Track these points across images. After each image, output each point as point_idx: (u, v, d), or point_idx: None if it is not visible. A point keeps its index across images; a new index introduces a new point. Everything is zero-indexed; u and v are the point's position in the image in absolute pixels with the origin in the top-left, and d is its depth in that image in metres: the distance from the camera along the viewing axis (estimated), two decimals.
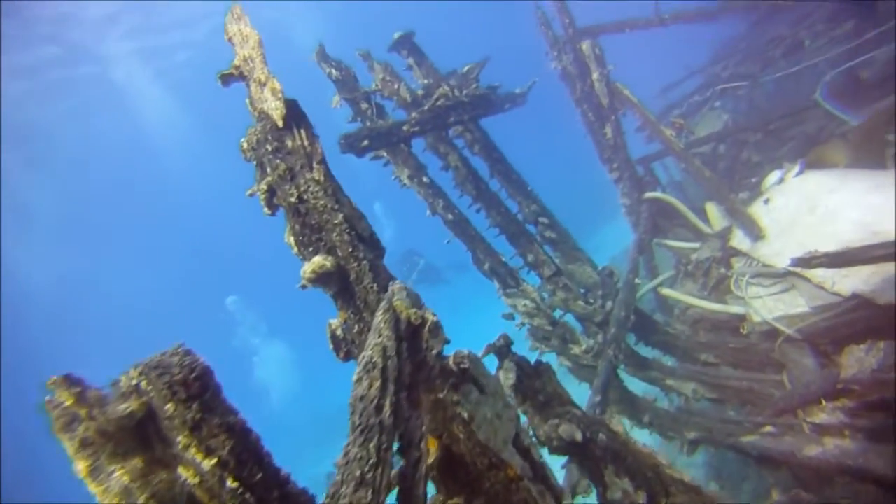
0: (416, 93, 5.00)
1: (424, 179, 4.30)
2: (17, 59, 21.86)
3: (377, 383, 1.24)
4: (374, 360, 1.29)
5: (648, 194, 7.21)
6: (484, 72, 5.51)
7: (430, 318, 1.52)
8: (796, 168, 5.54)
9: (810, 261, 4.43)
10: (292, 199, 1.82)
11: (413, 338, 1.46)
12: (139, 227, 43.95)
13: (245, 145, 1.95)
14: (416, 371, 1.42)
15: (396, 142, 4.07)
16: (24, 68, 22.64)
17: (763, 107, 8.98)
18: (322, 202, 1.77)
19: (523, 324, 4.36)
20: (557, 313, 4.92)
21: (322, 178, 1.79)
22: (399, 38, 5.32)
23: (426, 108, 4.55)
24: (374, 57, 5.03)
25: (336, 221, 1.75)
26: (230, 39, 2.00)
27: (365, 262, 1.73)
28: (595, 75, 6.85)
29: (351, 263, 1.73)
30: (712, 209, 6.44)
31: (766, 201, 5.59)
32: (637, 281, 5.27)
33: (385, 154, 4.39)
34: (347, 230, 1.74)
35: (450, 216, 4.29)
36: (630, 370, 5.09)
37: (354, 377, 1.29)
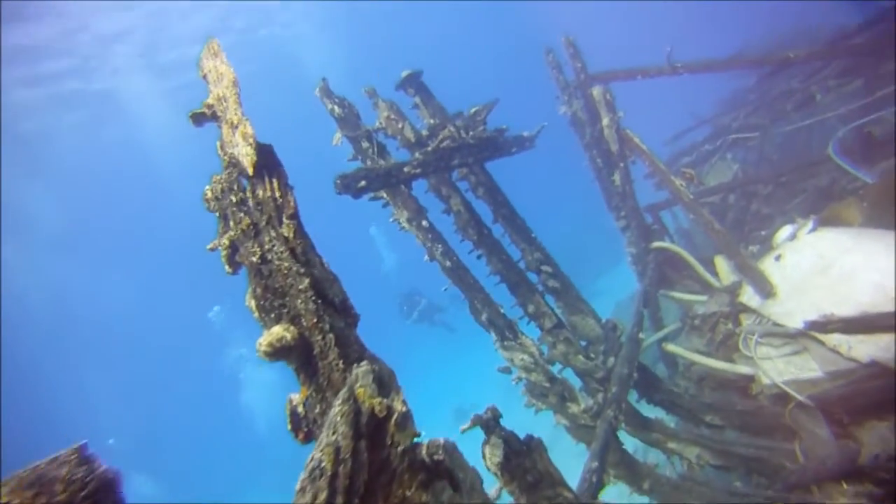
0: (421, 133, 4.84)
1: (424, 223, 4.11)
2: (25, 68, 22.09)
3: (322, 496, 1.01)
4: (322, 464, 1.06)
5: (656, 244, 6.99)
6: (493, 114, 5.37)
7: (399, 408, 1.28)
8: (809, 225, 5.32)
9: (826, 325, 4.18)
10: (254, 259, 1.61)
11: (376, 432, 1.23)
12: (137, 240, 43.76)
13: (209, 194, 1.74)
14: (377, 473, 1.19)
15: (396, 183, 3.89)
16: (31, 77, 22.84)
17: (774, 159, 8.82)
18: (286, 264, 1.56)
19: (520, 378, 4.11)
20: (557, 367, 4.66)
21: (291, 236, 1.58)
22: (406, 76, 5.19)
23: (430, 149, 4.39)
24: (381, 95, 4.90)
25: (301, 287, 1.53)
26: (204, 76, 1.82)
27: (331, 334, 1.51)
28: (605, 121, 6.71)
29: (315, 336, 1.51)
30: (721, 263, 6.21)
31: (778, 258, 5.36)
32: (641, 336, 5.01)
33: (384, 195, 4.21)
34: (313, 297, 1.52)
35: (448, 263, 4.09)
36: (630, 430, 4.80)
37: (297, 485, 1.07)
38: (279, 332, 1.51)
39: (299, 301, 1.53)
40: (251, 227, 1.62)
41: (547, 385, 4.04)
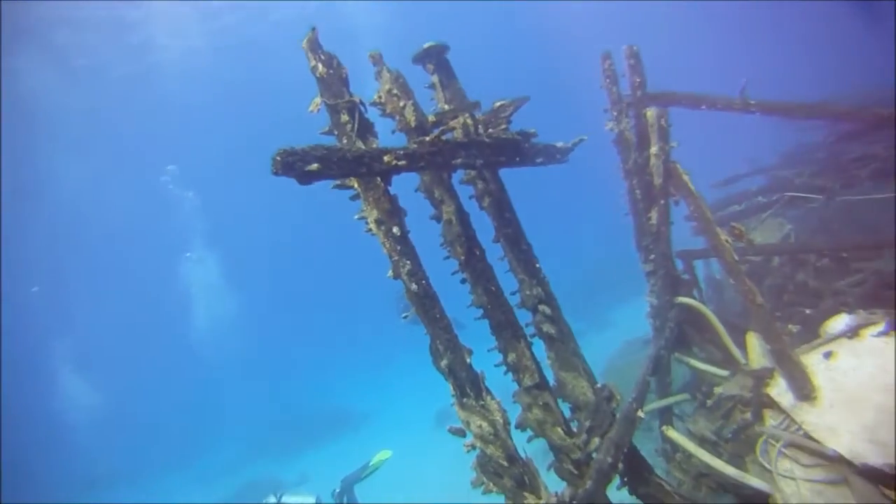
0: (427, 118, 3.83)
1: (395, 230, 3.11)
2: None
3: None
4: None
5: (681, 299, 5.87)
6: (523, 115, 4.34)
7: None
8: (880, 325, 4.16)
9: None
10: None
11: None
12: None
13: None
14: None
15: (366, 174, 2.90)
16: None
17: (834, 228, 7.56)
18: None
19: (473, 447, 3.11)
20: (524, 434, 3.64)
21: None
22: (428, 48, 4.17)
23: (427, 139, 3.38)
24: (387, 63, 3.89)
25: None
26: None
27: None
28: (654, 149, 5.59)
29: None
30: (754, 340, 5.07)
31: (828, 355, 4.22)
32: (640, 415, 3.95)
33: (355, 185, 3.22)
34: None
35: (414, 286, 3.09)
36: None
37: None
38: None
39: None
40: None
41: (504, 464, 3.03)
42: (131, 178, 35.50)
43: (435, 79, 4.35)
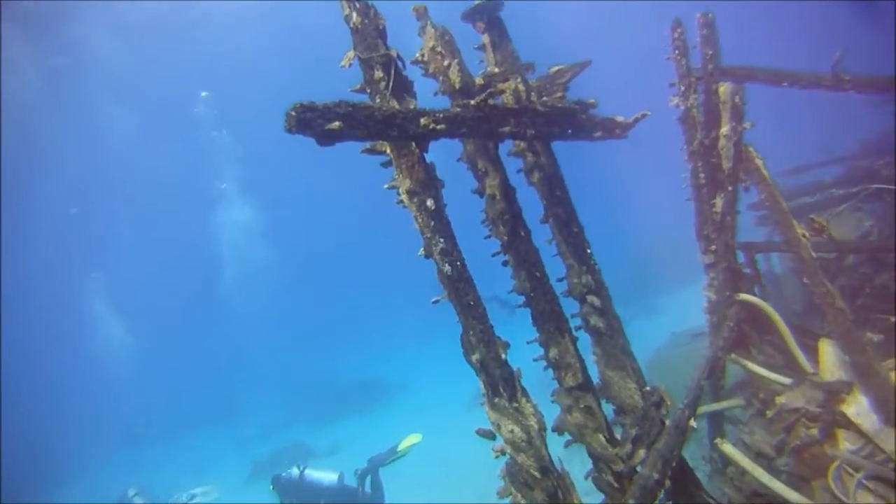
0: (473, 80, 3.38)
1: (429, 203, 2.71)
2: None
3: None
4: None
5: (743, 296, 5.28)
6: (582, 84, 3.84)
7: None
8: None
9: None
10: None
11: None
12: None
13: None
14: None
15: (397, 137, 2.50)
16: None
17: None
18: None
19: (503, 453, 2.72)
20: (562, 439, 3.23)
21: None
22: (479, 4, 3.70)
23: (472, 102, 2.94)
24: (433, 18, 3.44)
25: None
26: None
27: None
28: (725, 129, 4.96)
29: None
30: (827, 349, 4.47)
31: None
32: (693, 424, 3.48)
33: (388, 150, 2.82)
34: None
35: (447, 267, 2.69)
36: None
37: None
38: None
39: None
40: None
41: (537, 475, 2.64)
42: (171, 121, 34.04)
43: (486, 39, 3.88)
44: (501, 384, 2.68)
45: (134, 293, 36.20)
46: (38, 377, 29.67)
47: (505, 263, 3.36)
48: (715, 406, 5.13)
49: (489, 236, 3.40)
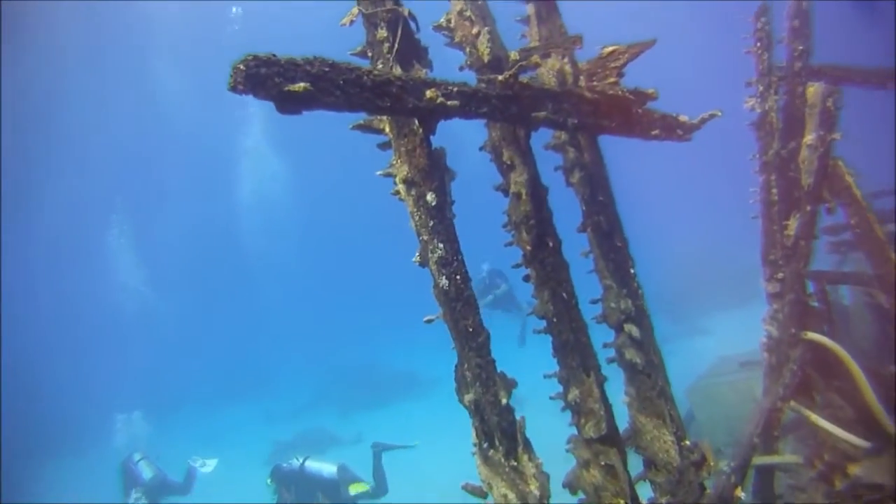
0: (507, 53, 2.76)
1: (429, 198, 2.13)
2: None
3: None
4: None
5: (810, 335, 4.48)
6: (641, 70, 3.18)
7: None
8: None
9: None
10: None
11: None
12: None
13: None
14: None
15: (394, 111, 1.93)
16: None
17: None
18: None
19: None
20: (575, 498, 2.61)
21: None
22: None
23: (501, 78, 2.35)
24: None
25: None
26: None
27: None
28: (810, 138, 4.16)
29: None
30: None
31: None
32: (741, 495, 2.80)
33: (386, 129, 2.26)
34: None
35: (444, 281, 2.12)
36: None
37: None
38: None
39: None
40: None
41: None
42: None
43: (531, 9, 3.26)
44: (498, 434, 2.08)
45: (159, 248, 35.01)
46: (60, 326, 29.77)
47: (526, 278, 2.75)
48: (765, 459, 4.37)
49: (510, 244, 2.79)
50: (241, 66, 1.57)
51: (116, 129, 30.21)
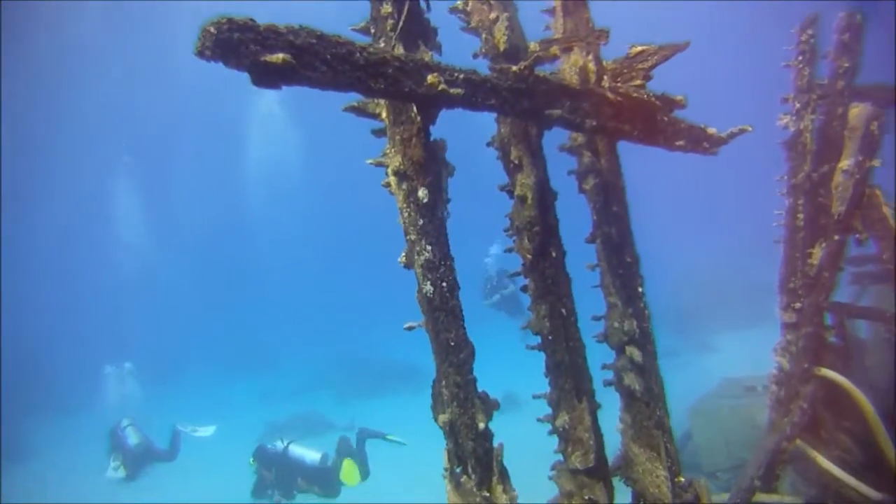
0: (526, 43, 2.55)
1: (421, 194, 1.94)
2: None
3: None
4: None
5: (824, 371, 4.24)
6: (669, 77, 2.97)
7: None
8: None
9: None
10: None
11: None
12: None
13: None
14: None
15: (388, 95, 1.73)
16: None
17: None
18: None
19: None
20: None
21: None
22: None
23: (514, 68, 2.14)
24: None
25: None
26: None
27: None
28: (846, 163, 3.90)
29: None
30: None
31: None
32: None
33: (382, 115, 2.06)
34: None
35: (428, 287, 1.93)
36: None
37: None
38: None
39: None
40: None
41: None
42: None
43: (558, 3, 3.02)
44: (472, 461, 1.90)
45: (164, 210, 34.54)
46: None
47: (524, 289, 2.55)
48: (765, 498, 4.16)
49: (511, 250, 2.59)
50: (212, 29, 1.38)
51: (129, 82, 29.58)
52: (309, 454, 7.54)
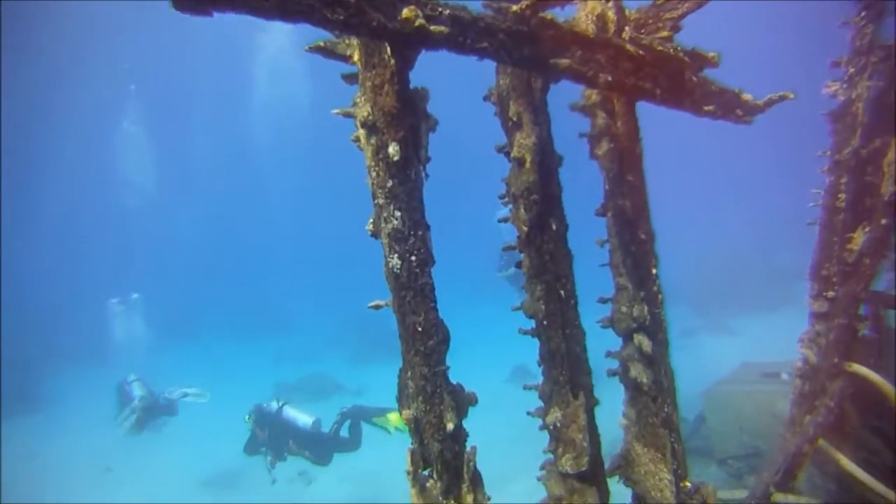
0: None
1: (392, 151, 1.63)
2: None
3: None
4: None
5: (855, 367, 3.89)
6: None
7: None
8: None
9: None
10: None
11: None
12: None
13: None
14: None
15: (348, 29, 1.42)
16: None
17: None
18: None
19: None
20: None
21: None
22: None
23: (514, 8, 1.81)
24: None
25: None
26: None
27: None
28: None
29: None
30: None
31: None
32: None
33: (354, 58, 1.75)
34: None
35: (395, 261, 1.65)
36: None
37: None
38: None
39: None
40: None
41: None
42: None
43: None
44: (439, 466, 1.64)
45: (170, 150, 33.79)
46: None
47: (518, 265, 2.26)
48: (781, 498, 3.88)
49: (506, 220, 2.29)
50: None
51: (137, 19, 28.98)
52: (301, 417, 7.48)
